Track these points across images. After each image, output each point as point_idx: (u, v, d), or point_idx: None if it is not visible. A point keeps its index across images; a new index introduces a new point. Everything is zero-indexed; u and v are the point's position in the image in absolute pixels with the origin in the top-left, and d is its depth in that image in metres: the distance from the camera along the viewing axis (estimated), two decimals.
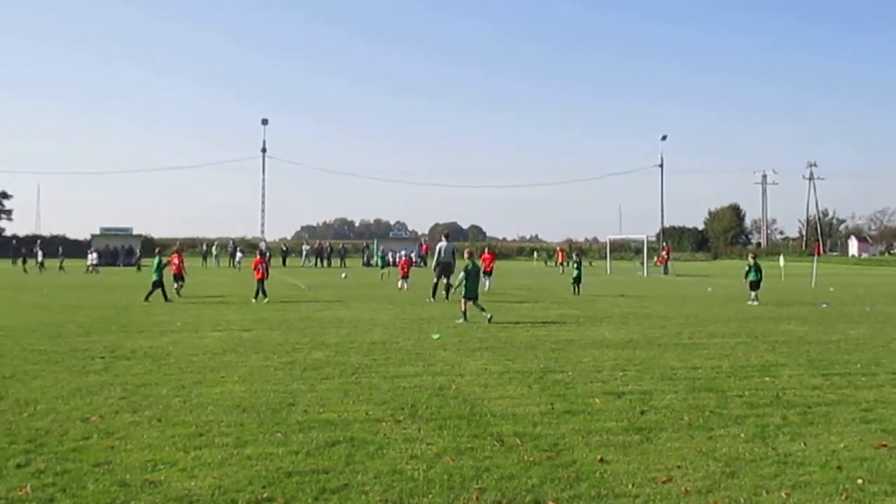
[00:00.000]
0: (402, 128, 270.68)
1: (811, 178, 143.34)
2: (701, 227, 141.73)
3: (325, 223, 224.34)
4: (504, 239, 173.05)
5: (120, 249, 76.95)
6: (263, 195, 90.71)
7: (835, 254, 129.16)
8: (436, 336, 17.79)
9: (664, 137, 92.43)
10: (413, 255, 73.44)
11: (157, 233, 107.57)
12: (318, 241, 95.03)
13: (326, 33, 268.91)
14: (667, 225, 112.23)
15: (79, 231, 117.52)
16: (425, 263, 69.25)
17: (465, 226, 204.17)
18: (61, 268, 57.78)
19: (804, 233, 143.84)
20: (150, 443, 8.41)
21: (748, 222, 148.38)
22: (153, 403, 10.43)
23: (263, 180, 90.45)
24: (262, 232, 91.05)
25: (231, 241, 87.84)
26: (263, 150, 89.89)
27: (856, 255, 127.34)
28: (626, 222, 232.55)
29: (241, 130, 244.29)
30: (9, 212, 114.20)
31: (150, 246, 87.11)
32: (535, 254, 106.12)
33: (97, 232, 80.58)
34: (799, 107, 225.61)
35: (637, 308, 26.60)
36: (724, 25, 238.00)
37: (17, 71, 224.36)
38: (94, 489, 6.85)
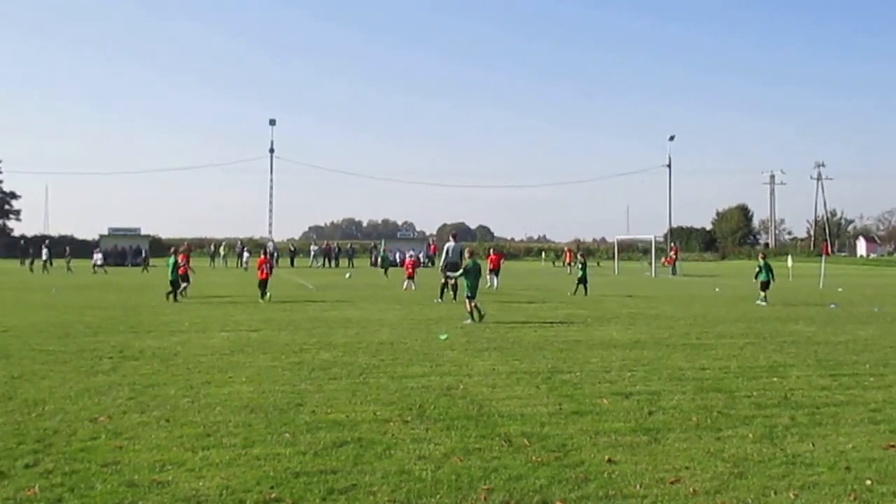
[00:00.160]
0: (409, 128, 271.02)
1: (819, 178, 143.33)
2: (709, 227, 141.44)
3: (332, 223, 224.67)
4: (512, 239, 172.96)
5: (128, 250, 77.02)
6: (271, 195, 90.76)
7: (843, 254, 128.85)
8: (444, 336, 17.79)
9: (672, 138, 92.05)
10: (421, 255, 73.54)
11: (166, 233, 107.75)
12: (325, 242, 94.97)
13: (334, 33, 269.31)
14: (675, 225, 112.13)
15: (87, 231, 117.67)
16: (433, 264, 69.23)
17: (472, 226, 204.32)
18: (69, 268, 57.83)
19: (812, 233, 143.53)
20: (158, 443, 8.43)
21: (756, 222, 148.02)
22: (161, 404, 10.44)
23: (271, 180, 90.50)
24: (270, 232, 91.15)
25: (239, 242, 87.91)
26: (271, 151, 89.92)
27: (864, 255, 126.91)
28: (634, 222, 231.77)
29: (250, 131, 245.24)
30: (17, 212, 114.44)
31: (158, 246, 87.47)
32: (543, 254, 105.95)
33: (105, 232, 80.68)
34: (807, 107, 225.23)
35: (645, 308, 26.57)
36: (732, 25, 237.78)
37: (25, 71, 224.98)
38: (103, 489, 6.86)
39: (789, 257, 56.63)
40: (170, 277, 29.28)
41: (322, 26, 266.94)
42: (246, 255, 69.42)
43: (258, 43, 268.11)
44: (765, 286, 29.24)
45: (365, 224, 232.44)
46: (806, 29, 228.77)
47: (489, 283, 36.20)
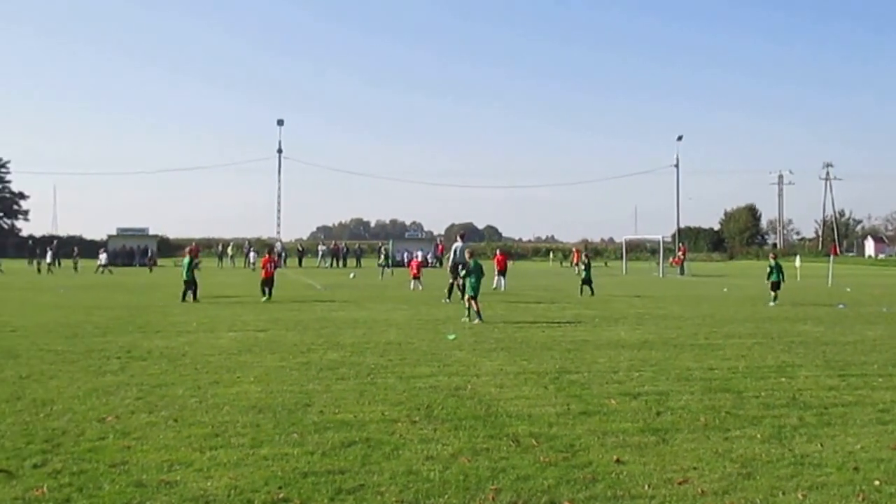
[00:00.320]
0: (417, 128, 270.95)
1: (827, 178, 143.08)
2: (717, 227, 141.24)
3: (340, 223, 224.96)
4: (520, 239, 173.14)
5: (136, 250, 77.16)
6: (279, 196, 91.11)
7: (851, 254, 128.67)
8: (451, 336, 17.79)
9: (680, 138, 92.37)
10: (429, 255, 73.53)
11: (174, 233, 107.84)
12: (333, 242, 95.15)
13: (342, 33, 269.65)
14: (682, 225, 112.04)
15: (95, 231, 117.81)
16: (441, 264, 69.21)
17: (480, 226, 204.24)
18: (76, 268, 57.94)
19: (820, 233, 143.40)
20: (166, 443, 8.44)
21: (764, 223, 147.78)
22: (169, 404, 10.46)
23: (279, 181, 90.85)
24: (278, 232, 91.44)
25: (246, 242, 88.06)
26: (279, 151, 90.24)
27: (872, 255, 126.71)
28: (642, 223, 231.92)
29: (258, 131, 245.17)
30: (25, 212, 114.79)
31: (166, 246, 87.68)
32: (551, 254, 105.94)
33: (114, 232, 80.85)
34: (816, 107, 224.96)
35: (653, 308, 26.54)
36: (740, 25, 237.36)
37: (33, 72, 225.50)
38: (111, 489, 6.88)
39: (797, 257, 56.63)
40: (184, 277, 29.30)
41: (330, 26, 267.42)
42: (253, 255, 69.58)
43: (266, 43, 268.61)
44: (776, 286, 29.13)
45: (373, 224, 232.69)
46: (814, 28, 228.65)
47: (495, 285, 36.11)
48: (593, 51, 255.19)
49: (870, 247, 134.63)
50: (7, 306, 26.31)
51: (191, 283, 29.02)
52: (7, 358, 14.42)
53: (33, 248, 71.78)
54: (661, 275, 57.35)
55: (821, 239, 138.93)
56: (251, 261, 68.55)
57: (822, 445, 8.51)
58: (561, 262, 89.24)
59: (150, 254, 69.35)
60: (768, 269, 29.61)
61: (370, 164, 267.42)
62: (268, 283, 29.39)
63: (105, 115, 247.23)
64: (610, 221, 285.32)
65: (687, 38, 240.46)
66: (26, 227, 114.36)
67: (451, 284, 28.78)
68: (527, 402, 10.65)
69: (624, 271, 63.88)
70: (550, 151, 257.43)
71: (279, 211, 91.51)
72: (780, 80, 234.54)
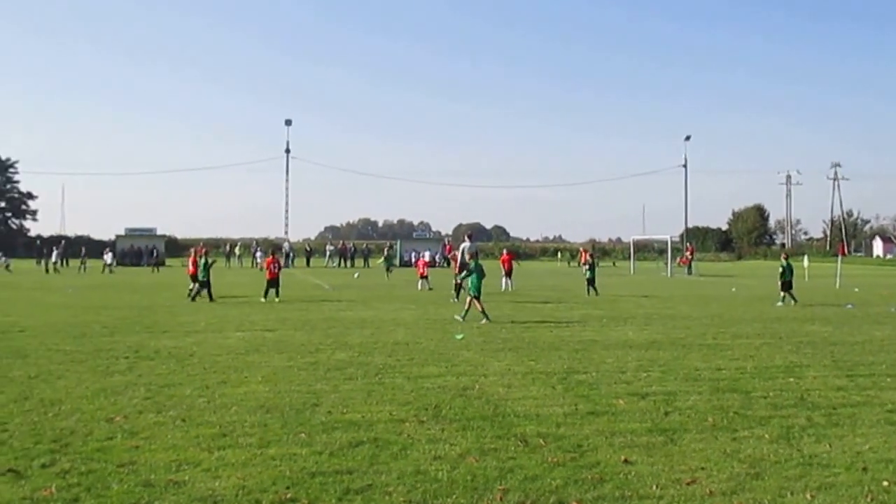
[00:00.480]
0: (425, 128, 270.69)
1: (835, 178, 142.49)
2: (725, 227, 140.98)
3: (348, 223, 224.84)
4: (528, 239, 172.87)
5: (144, 250, 77.25)
6: (287, 195, 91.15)
7: (859, 254, 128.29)
8: (459, 336, 17.80)
9: (688, 138, 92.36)
10: (437, 256, 73.50)
11: (181, 233, 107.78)
12: (341, 242, 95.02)
13: (350, 33, 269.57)
14: (690, 225, 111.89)
15: (104, 231, 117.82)
16: (448, 264, 69.15)
17: (488, 226, 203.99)
18: (83, 268, 58.05)
19: (828, 233, 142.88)
20: (174, 443, 8.46)
21: (772, 223, 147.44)
22: (177, 404, 10.48)
23: (287, 181, 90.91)
24: (286, 232, 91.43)
25: (254, 242, 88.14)
26: (287, 151, 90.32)
27: (880, 255, 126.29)
28: (650, 223, 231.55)
29: (266, 131, 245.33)
30: (34, 212, 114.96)
31: (174, 246, 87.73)
32: (559, 254, 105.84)
33: (122, 232, 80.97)
34: (823, 107, 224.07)
35: (661, 308, 26.51)
36: (748, 25, 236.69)
37: (41, 72, 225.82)
38: (119, 489, 6.89)
39: (805, 257, 56.43)
40: (201, 278, 29.31)
41: (337, 26, 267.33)
42: (259, 254, 69.59)
43: (274, 43, 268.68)
44: (787, 286, 29.01)
45: (380, 224, 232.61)
46: (822, 28, 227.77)
47: (503, 287, 36.02)
48: (601, 51, 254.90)
49: (878, 247, 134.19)
50: (15, 306, 26.38)
51: (206, 284, 29.04)
52: (16, 358, 14.46)
53: (41, 248, 71.91)
54: (668, 275, 57.25)
55: (829, 239, 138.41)
56: (258, 261, 68.57)
57: (830, 446, 8.50)
58: (569, 262, 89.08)
59: (154, 254, 69.32)
60: (780, 269, 29.45)
61: (378, 164, 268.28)
62: (272, 283, 29.41)
63: (113, 115, 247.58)
64: (618, 221, 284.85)
65: (695, 39, 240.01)
66: (34, 228, 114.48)
67: (459, 284, 28.79)
68: (535, 403, 10.65)
69: (632, 271, 63.77)
70: (558, 151, 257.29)
71: (287, 211, 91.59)
72: (788, 80, 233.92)
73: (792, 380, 12.55)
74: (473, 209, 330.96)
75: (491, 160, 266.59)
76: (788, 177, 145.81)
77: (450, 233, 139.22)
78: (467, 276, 22.45)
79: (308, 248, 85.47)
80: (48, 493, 6.79)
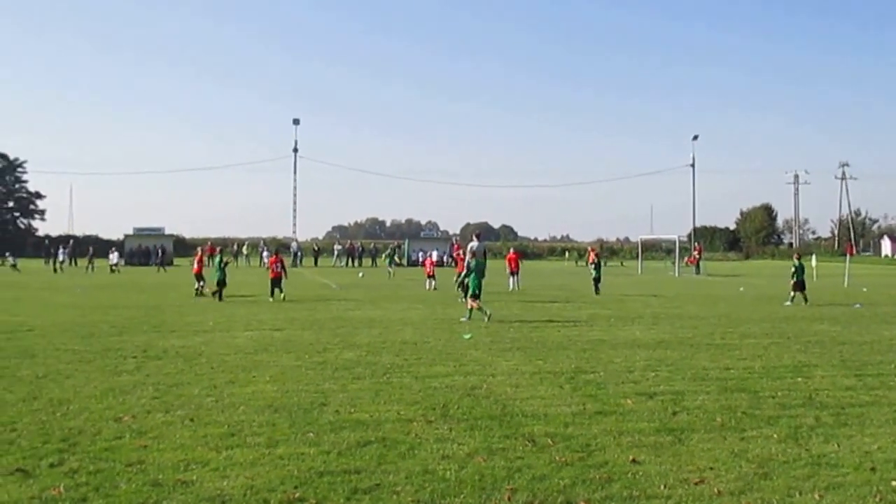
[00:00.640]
0: (432, 128, 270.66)
1: (843, 177, 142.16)
2: (732, 227, 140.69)
3: (356, 223, 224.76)
4: (535, 239, 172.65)
5: (152, 249, 77.32)
6: (295, 195, 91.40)
7: (867, 254, 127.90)
8: (467, 336, 17.80)
9: (696, 137, 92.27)
10: (445, 255, 73.46)
11: (189, 233, 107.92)
12: (349, 241, 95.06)
13: (358, 32, 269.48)
14: (698, 225, 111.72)
15: (113, 231, 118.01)
16: (456, 264, 69.02)
17: (496, 225, 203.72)
18: (91, 268, 58.13)
19: (836, 233, 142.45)
20: (182, 442, 8.47)
21: (780, 222, 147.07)
22: (185, 403, 10.49)
23: (295, 180, 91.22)
24: (294, 232, 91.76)
25: (262, 241, 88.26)
26: (295, 150, 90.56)
27: (889, 255, 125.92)
28: (658, 222, 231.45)
29: (274, 131, 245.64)
30: (42, 212, 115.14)
31: (182, 246, 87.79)
32: (567, 253, 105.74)
33: (130, 232, 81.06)
34: (831, 106, 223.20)
35: (668, 308, 26.49)
36: (755, 25, 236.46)
37: (49, 72, 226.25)
38: (127, 489, 6.91)
39: (813, 257, 56.31)
40: (217, 277, 29.37)
41: (345, 26, 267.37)
42: (266, 254, 69.63)
43: (281, 42, 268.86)
44: (801, 286, 28.91)
45: (388, 224, 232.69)
46: (830, 27, 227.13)
47: (511, 287, 35.97)
48: (608, 51, 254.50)
49: (886, 246, 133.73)
50: (24, 306, 26.45)
51: (223, 282, 29.06)
52: (24, 357, 14.50)
53: (49, 247, 72.05)
54: (676, 274, 57.21)
55: (837, 238, 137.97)
56: (265, 260, 68.62)
57: (838, 446, 8.49)
58: (576, 262, 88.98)
59: (159, 253, 69.31)
60: (792, 269, 29.35)
61: (386, 163, 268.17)
62: (275, 282, 29.45)
63: (120, 114, 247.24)
64: (625, 221, 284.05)
65: (702, 38, 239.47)
66: (43, 227, 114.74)
67: (463, 283, 28.82)
68: (542, 402, 10.64)
69: (639, 271, 63.75)
70: (566, 151, 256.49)
71: (295, 210, 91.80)
72: (795, 80, 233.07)
73: (800, 379, 12.53)
74: (481, 208, 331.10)
75: (499, 160, 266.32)
76: (796, 176, 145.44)
77: (457, 232, 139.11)
78: (468, 274, 22.54)
79: (316, 248, 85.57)
80: (56, 492, 6.81)
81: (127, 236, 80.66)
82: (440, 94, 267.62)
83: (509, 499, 6.73)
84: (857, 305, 27.94)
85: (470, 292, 22.11)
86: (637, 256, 72.29)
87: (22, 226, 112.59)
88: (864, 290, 38.12)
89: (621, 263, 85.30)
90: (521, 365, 13.87)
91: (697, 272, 58.31)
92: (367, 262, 78.59)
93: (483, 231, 46.36)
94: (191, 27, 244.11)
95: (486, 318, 21.08)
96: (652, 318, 22.84)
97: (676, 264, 60.64)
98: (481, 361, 14.27)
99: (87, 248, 65.28)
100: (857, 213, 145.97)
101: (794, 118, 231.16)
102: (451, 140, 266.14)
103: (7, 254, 58.51)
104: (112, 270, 57.06)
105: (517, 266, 37.24)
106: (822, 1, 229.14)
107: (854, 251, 78.15)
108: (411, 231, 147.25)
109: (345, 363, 14.00)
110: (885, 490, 6.99)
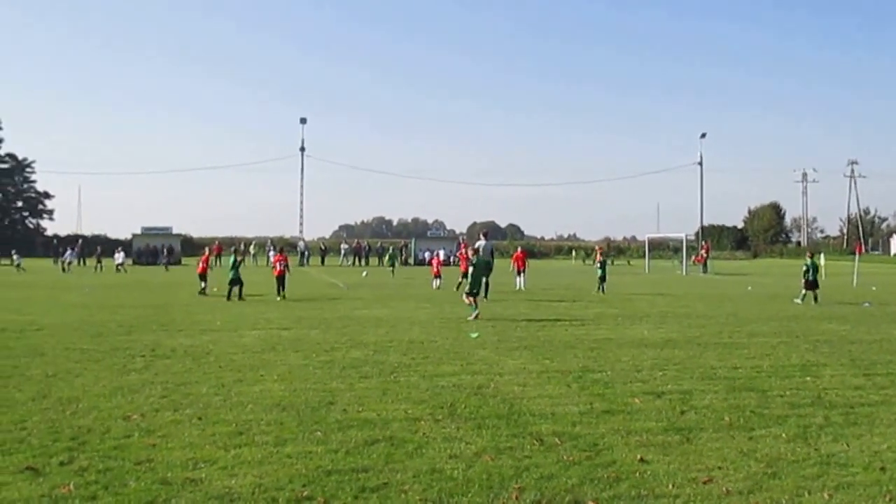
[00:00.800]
0: (439, 127, 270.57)
1: (852, 176, 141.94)
2: (740, 225, 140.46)
3: (362, 222, 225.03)
4: (542, 238, 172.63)
5: (160, 249, 77.44)
6: (302, 194, 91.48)
7: (876, 253, 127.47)
8: (474, 335, 17.80)
9: (703, 135, 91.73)
10: (452, 254, 73.49)
11: (197, 232, 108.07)
12: (356, 241, 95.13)
13: (364, 32, 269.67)
14: (706, 223, 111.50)
15: (121, 231, 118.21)
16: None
17: (503, 224, 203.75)
18: (99, 267, 58.20)
19: (845, 231, 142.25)
20: (190, 441, 8.48)
21: (788, 221, 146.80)
22: (193, 402, 10.51)
23: (302, 179, 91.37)
24: (301, 231, 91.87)
25: (269, 241, 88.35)
26: (302, 150, 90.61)
27: None
28: (665, 221, 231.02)
29: (282, 130, 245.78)
30: (50, 212, 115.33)
31: (189, 245, 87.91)
32: (574, 252, 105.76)
33: (138, 231, 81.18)
34: (840, 105, 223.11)
35: (676, 307, 26.45)
36: (763, 24, 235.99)
37: (57, 72, 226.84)
38: (136, 487, 6.92)
39: (822, 255, 56.22)
40: (230, 276, 29.35)
41: (353, 26, 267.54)
42: (272, 253, 69.68)
43: (290, 41, 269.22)
44: (813, 285, 28.81)
45: (395, 223, 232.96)
46: (839, 26, 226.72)
47: (517, 286, 35.89)
48: (615, 50, 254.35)
49: (895, 245, 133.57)
50: (33, 305, 26.51)
51: (236, 281, 29.04)
52: (34, 356, 14.53)
53: (58, 247, 72.21)
54: (684, 273, 57.14)
55: (845, 237, 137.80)
56: (271, 259, 68.67)
57: (847, 445, 8.47)
58: (583, 261, 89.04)
59: (165, 252, 69.37)
60: (804, 268, 29.23)
61: (392, 162, 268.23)
62: (279, 280, 29.46)
63: (129, 114, 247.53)
64: (632, 220, 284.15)
65: (710, 36, 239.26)
66: (51, 227, 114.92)
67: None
68: (550, 401, 10.64)
69: (647, 269, 63.69)
70: (573, 150, 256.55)
71: (302, 209, 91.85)
72: (804, 78, 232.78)
73: (809, 379, 12.50)
74: (488, 207, 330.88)
75: (505, 158, 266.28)
76: (804, 174, 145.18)
77: (464, 231, 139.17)
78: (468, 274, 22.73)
79: (323, 247, 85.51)
80: (66, 490, 6.83)
81: (135, 236, 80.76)
82: (447, 93, 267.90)
83: (517, 498, 6.72)
84: (867, 304, 27.88)
85: (468, 289, 22.19)
86: (644, 255, 72.17)
87: (31, 226, 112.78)
88: (874, 288, 38.05)
89: (628, 262, 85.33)
90: (528, 364, 13.87)
91: (705, 271, 58.21)
92: (373, 261, 78.66)
93: (490, 230, 46.28)
94: (200, 28, 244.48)
95: (472, 316, 21.22)
96: (659, 316, 22.82)
97: (684, 263, 60.55)
98: (488, 360, 14.27)
99: (96, 247, 65.44)
100: (866, 212, 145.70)
101: (802, 116, 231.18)
102: (457, 139, 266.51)
103: (13, 252, 58.54)
104: (118, 270, 57.19)
105: (524, 265, 37.16)
106: (832, 0, 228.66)
107: (863, 250, 78.03)
108: (418, 230, 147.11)
109: (352, 362, 14.01)
110: (895, 490, 6.97)
